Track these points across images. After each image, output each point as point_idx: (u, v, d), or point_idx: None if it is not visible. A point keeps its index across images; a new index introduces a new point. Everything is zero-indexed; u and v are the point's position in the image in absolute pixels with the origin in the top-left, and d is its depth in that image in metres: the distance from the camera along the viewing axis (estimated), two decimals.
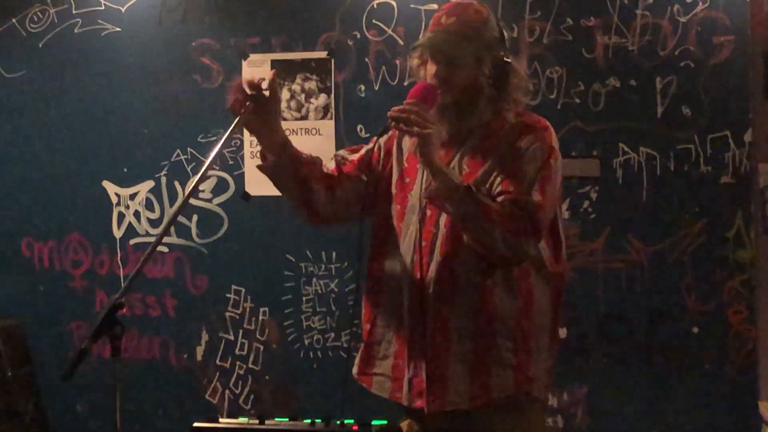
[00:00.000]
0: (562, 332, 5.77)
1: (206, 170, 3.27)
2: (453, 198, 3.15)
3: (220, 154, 6.01)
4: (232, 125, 3.33)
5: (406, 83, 5.83)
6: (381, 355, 3.48)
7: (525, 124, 3.36)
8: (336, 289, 6.04)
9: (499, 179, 3.25)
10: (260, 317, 6.16)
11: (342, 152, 3.73)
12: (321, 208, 3.60)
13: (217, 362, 6.25)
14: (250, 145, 6.09)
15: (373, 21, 5.97)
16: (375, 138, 3.62)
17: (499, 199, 3.20)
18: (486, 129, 3.37)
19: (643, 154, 5.68)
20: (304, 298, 6.07)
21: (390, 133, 3.54)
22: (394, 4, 5.94)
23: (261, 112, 3.38)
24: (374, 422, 2.97)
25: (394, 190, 3.50)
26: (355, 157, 3.66)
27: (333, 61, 6.03)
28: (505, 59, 3.37)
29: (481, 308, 3.29)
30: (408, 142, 3.51)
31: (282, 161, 3.52)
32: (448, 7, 3.42)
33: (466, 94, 3.33)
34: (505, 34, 3.46)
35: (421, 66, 3.44)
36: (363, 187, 3.57)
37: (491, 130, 3.36)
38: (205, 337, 6.26)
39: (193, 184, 3.26)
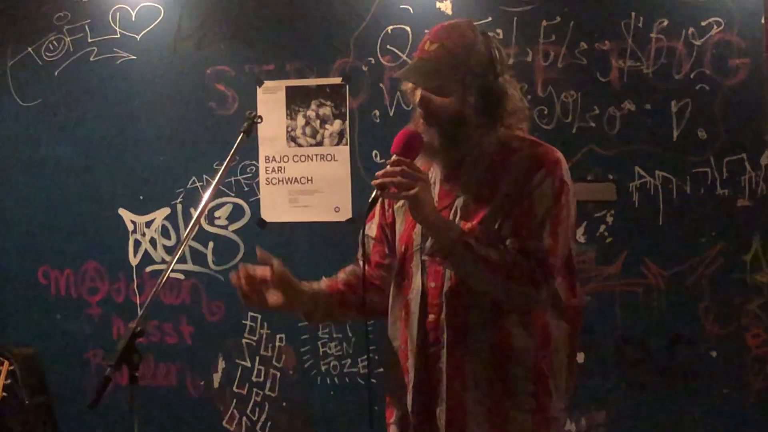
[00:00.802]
0: (580, 357, 5.75)
1: (204, 210, 3.25)
2: (452, 255, 3.06)
3: (235, 181, 6.06)
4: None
5: None
6: (397, 403, 3.38)
7: (535, 157, 3.17)
8: None
9: (507, 223, 3.12)
10: (277, 344, 6.16)
11: (367, 242, 3.54)
12: (378, 307, 3.50)
13: (234, 389, 6.24)
14: (266, 171, 6.11)
15: (388, 46, 5.98)
16: (367, 212, 3.35)
17: (508, 243, 3.10)
18: (489, 159, 3.21)
19: (659, 178, 5.67)
20: (320, 325, 6.06)
21: None
22: (408, 29, 5.95)
23: (276, 292, 3.37)
24: None
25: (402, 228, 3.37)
26: (375, 241, 3.53)
27: (348, 86, 6.04)
28: (497, 84, 3.18)
29: (497, 349, 3.17)
30: None
31: (317, 317, 3.54)
32: (434, 31, 3.25)
33: (452, 124, 3.17)
34: (499, 56, 3.22)
35: (415, 90, 3.28)
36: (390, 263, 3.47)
37: (495, 161, 3.20)
38: (221, 364, 6.26)
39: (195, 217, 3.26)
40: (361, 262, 3.42)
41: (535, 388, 3.20)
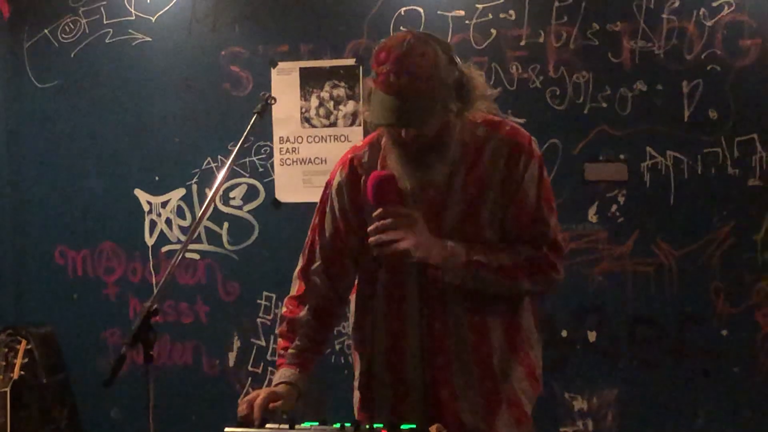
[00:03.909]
0: (591, 335, 5.80)
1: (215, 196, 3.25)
2: (467, 278, 3.13)
3: (250, 162, 6.09)
4: None
5: None
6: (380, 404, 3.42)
7: (510, 144, 3.18)
8: None
9: (507, 214, 3.18)
10: None
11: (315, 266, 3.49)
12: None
13: (249, 368, 6.29)
14: (280, 152, 6.15)
15: (401, 28, 5.97)
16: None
17: (515, 235, 3.19)
18: (466, 148, 3.18)
19: (671, 158, 5.70)
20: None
21: (337, 180, 3.42)
22: (421, 10, 5.97)
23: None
24: (403, 426, 2.98)
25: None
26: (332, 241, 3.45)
27: (361, 68, 6.06)
28: (462, 76, 3.06)
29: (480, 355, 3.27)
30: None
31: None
32: (392, 61, 2.99)
33: (439, 132, 3.07)
34: (451, 49, 3.08)
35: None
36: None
37: (472, 148, 3.19)
38: (237, 343, 6.31)
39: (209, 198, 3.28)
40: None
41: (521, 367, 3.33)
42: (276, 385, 3.30)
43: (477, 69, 3.16)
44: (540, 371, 3.42)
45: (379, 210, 3.03)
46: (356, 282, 3.49)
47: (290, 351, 3.37)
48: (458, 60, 3.08)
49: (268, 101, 3.46)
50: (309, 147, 6.12)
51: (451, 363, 3.25)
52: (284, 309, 3.49)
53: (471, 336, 3.24)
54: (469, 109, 3.08)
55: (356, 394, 3.53)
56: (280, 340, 3.44)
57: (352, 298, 3.52)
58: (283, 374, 3.33)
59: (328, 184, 3.47)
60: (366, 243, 3.12)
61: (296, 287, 3.49)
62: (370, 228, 3.04)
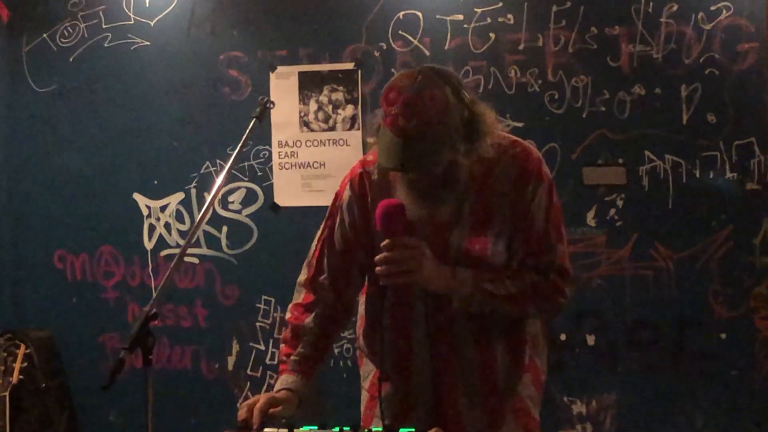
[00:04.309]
0: (590, 339, 5.80)
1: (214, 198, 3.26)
2: (473, 304, 3.15)
3: (249, 166, 6.08)
4: None
5: None
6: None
7: (520, 167, 3.18)
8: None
9: (515, 240, 3.19)
10: None
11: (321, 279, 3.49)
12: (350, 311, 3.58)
13: (248, 372, 6.29)
14: (279, 156, 6.15)
15: (399, 32, 6.00)
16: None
17: (521, 259, 3.20)
18: (474, 173, 3.15)
19: (669, 162, 5.69)
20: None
21: (347, 195, 3.39)
22: (419, 14, 5.97)
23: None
24: (402, 430, 2.99)
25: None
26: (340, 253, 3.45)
27: (360, 72, 6.07)
28: (471, 114, 3.03)
29: (483, 365, 3.30)
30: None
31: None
32: (401, 104, 2.96)
33: (446, 170, 3.06)
34: (462, 84, 3.07)
35: None
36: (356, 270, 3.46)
37: (481, 171, 3.16)
38: (236, 347, 6.31)
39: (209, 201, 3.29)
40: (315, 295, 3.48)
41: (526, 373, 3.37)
42: (277, 391, 3.30)
43: (487, 106, 3.13)
44: (544, 377, 3.46)
45: (387, 241, 3.03)
46: (365, 285, 3.51)
47: (293, 358, 3.39)
48: (467, 96, 3.05)
49: (267, 105, 3.47)
50: (308, 151, 6.12)
51: (456, 383, 3.28)
52: (289, 315, 3.51)
53: (476, 356, 3.27)
54: (476, 146, 3.05)
55: (364, 393, 3.55)
56: (282, 346, 3.46)
57: (361, 299, 3.53)
58: (285, 380, 3.34)
59: (337, 197, 3.47)
60: (374, 257, 3.13)
61: (302, 296, 3.50)
62: (377, 258, 3.04)
